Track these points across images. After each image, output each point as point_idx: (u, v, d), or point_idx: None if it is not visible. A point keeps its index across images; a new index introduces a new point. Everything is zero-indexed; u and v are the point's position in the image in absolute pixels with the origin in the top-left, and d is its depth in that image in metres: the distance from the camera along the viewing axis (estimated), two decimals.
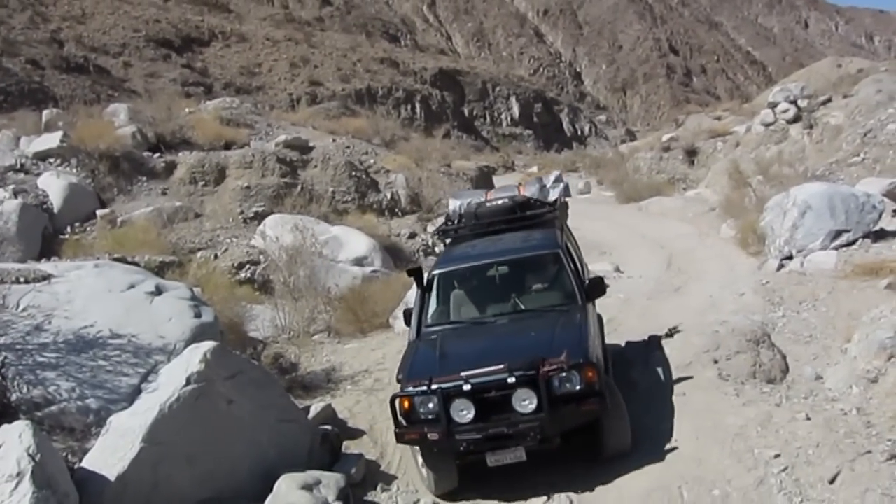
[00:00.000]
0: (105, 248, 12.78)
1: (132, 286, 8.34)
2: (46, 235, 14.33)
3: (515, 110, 64.25)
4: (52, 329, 7.48)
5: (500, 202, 9.08)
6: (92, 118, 19.55)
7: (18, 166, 16.36)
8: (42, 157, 16.87)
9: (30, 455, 5.37)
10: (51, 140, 17.26)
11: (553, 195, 9.39)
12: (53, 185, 15.46)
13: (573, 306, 7.62)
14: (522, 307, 7.77)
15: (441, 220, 11.26)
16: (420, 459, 7.00)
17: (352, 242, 15.00)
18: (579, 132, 67.53)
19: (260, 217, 16.19)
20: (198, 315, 8.10)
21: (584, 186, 31.97)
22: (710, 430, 7.22)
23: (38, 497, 5.19)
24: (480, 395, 6.48)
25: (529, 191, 9.37)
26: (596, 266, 15.26)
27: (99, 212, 15.41)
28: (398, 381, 7.06)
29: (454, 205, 9.65)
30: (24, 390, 6.85)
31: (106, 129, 17.99)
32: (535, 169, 42.62)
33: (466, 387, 6.44)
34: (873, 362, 7.68)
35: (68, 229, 14.78)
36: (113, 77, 42.55)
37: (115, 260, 10.42)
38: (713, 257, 15.97)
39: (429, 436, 6.51)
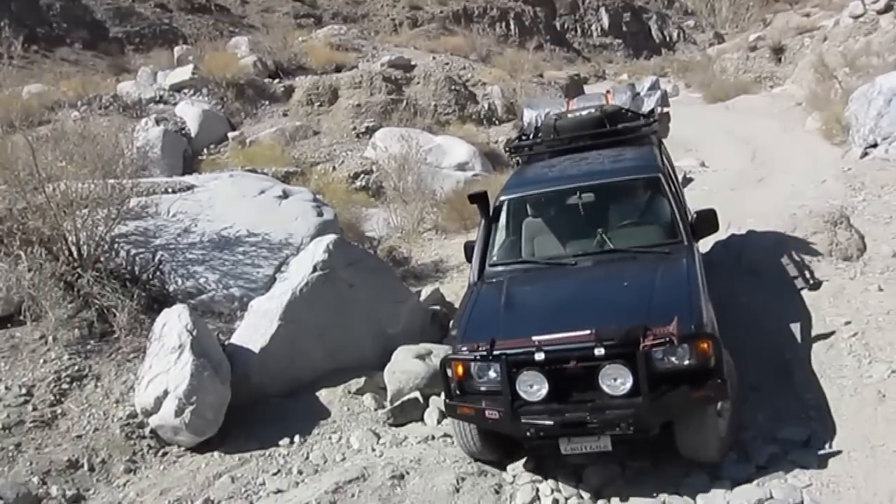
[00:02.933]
0: (237, 164, 13.34)
1: (262, 192, 8.80)
2: (186, 157, 14.98)
3: (605, 21, 61.80)
4: (198, 230, 8.03)
5: (584, 113, 7.05)
6: (217, 51, 20.14)
7: (158, 98, 17.11)
8: (177, 88, 17.55)
9: (188, 330, 5.89)
10: (183, 73, 17.94)
11: (648, 105, 7.41)
12: (189, 112, 16.10)
13: (677, 247, 5.60)
14: (611, 246, 5.79)
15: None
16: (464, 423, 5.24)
17: (454, 150, 15.13)
18: (668, 38, 64.57)
19: (370, 131, 16.46)
20: (320, 214, 8.51)
21: (672, 89, 30.79)
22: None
23: (197, 364, 5.70)
24: (556, 368, 4.73)
25: (619, 99, 7.44)
26: (681, 162, 14.93)
27: (230, 134, 16.00)
28: (452, 337, 5.46)
29: (529, 115, 7.71)
30: (179, 282, 7.45)
31: (230, 61, 18.55)
32: (624, 76, 41.23)
33: (539, 356, 4.65)
34: None
35: (204, 151, 15.43)
36: (232, 14, 43.17)
37: (247, 171, 10.93)
38: (797, 149, 15.31)
39: (487, 414, 4.86)
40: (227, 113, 16.90)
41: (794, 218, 8.87)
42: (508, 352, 4.76)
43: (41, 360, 6.39)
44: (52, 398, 6.04)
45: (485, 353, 4.81)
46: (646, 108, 7.36)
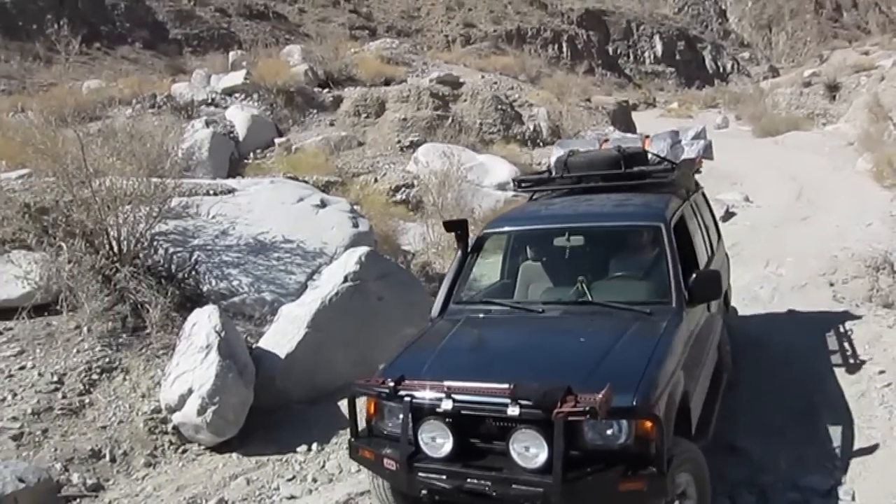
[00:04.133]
0: (281, 170, 13.53)
1: (301, 199, 8.93)
2: (233, 160, 15.19)
3: (658, 48, 61.61)
4: (236, 234, 8.16)
5: (600, 153, 6.41)
6: (270, 58, 20.47)
7: (210, 100, 17.45)
8: (229, 92, 17.88)
9: (216, 332, 5.98)
10: (236, 78, 18.27)
11: (688, 154, 6.67)
12: (238, 116, 16.38)
13: (662, 310, 4.73)
14: (590, 298, 4.98)
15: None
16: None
17: (496, 169, 15.14)
18: (721, 69, 64.07)
19: (414, 146, 16.56)
20: (355, 225, 8.60)
21: (722, 121, 30.58)
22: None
23: (223, 365, 5.78)
24: (465, 423, 3.99)
25: (656, 146, 6.68)
26: (725, 196, 14.83)
27: (276, 140, 16.22)
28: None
29: (558, 154, 6.81)
30: (213, 283, 7.56)
31: (282, 68, 18.85)
32: (675, 105, 41.09)
33: (446, 404, 3.93)
34: None
35: (251, 155, 15.64)
36: (289, 22, 43.94)
37: (288, 178, 11.09)
38: (845, 190, 15.11)
39: (385, 462, 4.19)
40: (276, 119, 17.16)
41: (835, 260, 8.76)
42: (414, 393, 4.06)
43: (74, 350, 6.54)
44: (82, 387, 6.17)
45: (388, 390, 4.12)
46: (684, 157, 6.56)
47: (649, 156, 6.40)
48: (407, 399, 4.05)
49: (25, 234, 7.14)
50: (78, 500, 5.22)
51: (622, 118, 22.51)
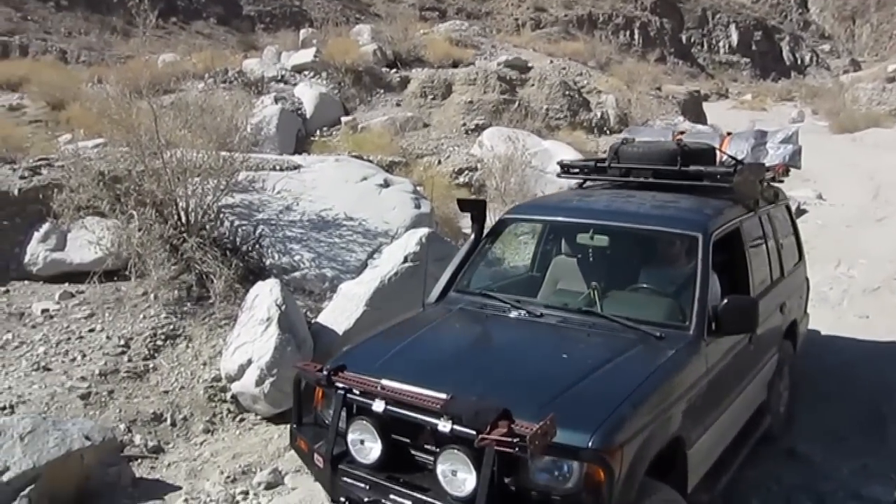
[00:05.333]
0: (346, 149, 13.64)
1: (365, 178, 9.00)
2: (299, 137, 15.35)
3: (734, 38, 60.01)
4: (299, 209, 8.27)
5: (657, 144, 5.64)
6: (340, 37, 20.63)
7: (279, 77, 17.69)
8: (298, 69, 18.08)
9: (277, 305, 6.07)
10: (306, 55, 18.44)
11: (771, 159, 5.91)
12: (307, 94, 16.54)
13: (676, 336, 4.06)
14: (599, 308, 4.42)
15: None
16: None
17: (560, 155, 14.89)
18: (799, 61, 62.11)
19: (479, 129, 16.49)
20: (417, 206, 8.63)
21: (798, 115, 29.73)
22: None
23: (282, 338, 5.88)
24: (399, 429, 3.60)
25: (736, 146, 5.97)
26: (796, 192, 14.38)
27: (343, 118, 16.34)
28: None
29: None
30: (276, 258, 7.69)
31: (351, 47, 18.97)
32: (748, 97, 40.04)
33: (378, 405, 3.51)
34: None
35: (317, 132, 15.78)
36: (360, 2, 44.20)
37: (353, 157, 11.18)
38: None
39: (315, 457, 3.84)
40: (343, 98, 17.30)
41: None
42: (351, 387, 3.63)
43: (141, 316, 6.75)
44: (147, 352, 6.36)
45: (322, 378, 3.73)
46: (769, 160, 5.89)
47: (724, 157, 5.70)
48: (341, 392, 3.66)
49: (99, 201, 7.34)
50: (139, 460, 5.39)
51: (693, 109, 22.04)
